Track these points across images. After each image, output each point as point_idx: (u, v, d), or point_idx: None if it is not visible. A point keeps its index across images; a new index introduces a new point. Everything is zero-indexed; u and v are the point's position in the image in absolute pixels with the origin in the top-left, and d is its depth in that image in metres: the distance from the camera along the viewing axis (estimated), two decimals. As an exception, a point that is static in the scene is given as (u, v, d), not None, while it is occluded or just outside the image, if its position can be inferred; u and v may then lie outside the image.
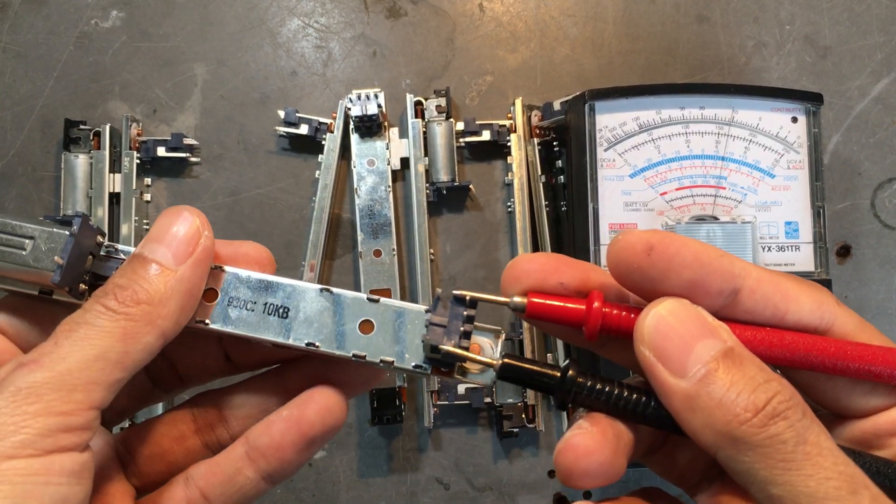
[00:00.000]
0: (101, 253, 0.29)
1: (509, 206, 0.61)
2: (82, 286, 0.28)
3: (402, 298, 0.60)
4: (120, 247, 0.29)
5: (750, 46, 0.63)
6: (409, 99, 0.60)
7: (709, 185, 0.54)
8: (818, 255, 0.54)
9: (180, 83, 0.62)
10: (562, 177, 0.59)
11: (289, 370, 0.31)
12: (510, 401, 0.59)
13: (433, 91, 0.61)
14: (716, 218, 0.54)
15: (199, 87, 0.62)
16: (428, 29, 0.63)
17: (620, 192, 0.53)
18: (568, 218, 0.57)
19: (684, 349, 0.24)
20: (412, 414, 0.61)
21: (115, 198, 0.59)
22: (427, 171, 0.60)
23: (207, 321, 0.29)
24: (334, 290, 0.29)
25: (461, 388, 0.59)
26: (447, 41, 0.63)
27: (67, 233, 0.27)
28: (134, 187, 0.59)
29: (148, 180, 0.61)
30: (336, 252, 0.62)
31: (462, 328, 0.28)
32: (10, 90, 0.61)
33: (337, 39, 0.63)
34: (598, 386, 0.26)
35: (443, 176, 0.60)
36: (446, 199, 0.62)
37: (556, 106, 0.58)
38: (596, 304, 0.26)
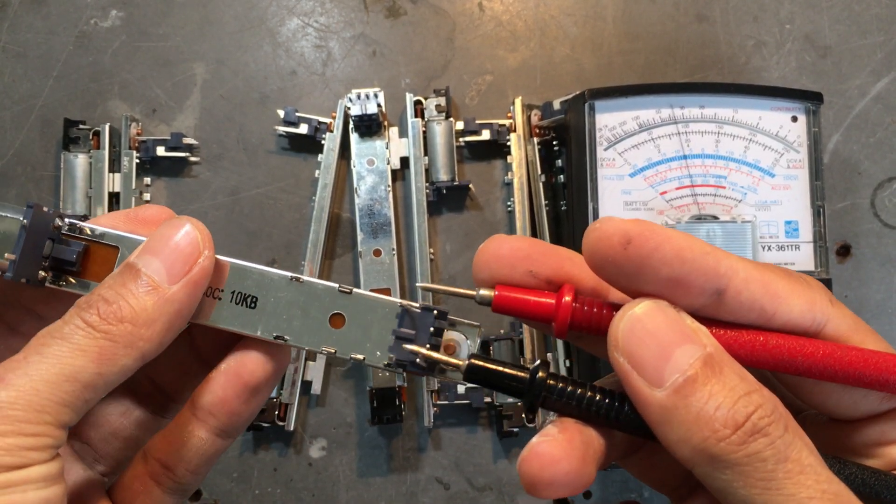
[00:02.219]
0: (64, 231, 0.27)
1: (509, 206, 0.61)
2: (42, 273, 0.27)
3: (402, 298, 0.59)
4: (87, 225, 0.28)
5: (750, 46, 0.63)
6: (409, 98, 0.60)
7: (709, 185, 0.54)
8: (818, 255, 0.54)
9: (180, 83, 0.62)
10: (561, 176, 0.59)
11: (195, 333, 0.31)
12: (510, 400, 0.59)
13: (433, 90, 0.61)
14: (716, 217, 0.53)
15: (198, 86, 0.62)
16: (427, 28, 0.63)
17: (620, 192, 0.53)
18: (568, 217, 0.57)
19: (661, 356, 0.22)
20: (412, 413, 0.61)
21: (114, 197, 0.59)
22: (427, 171, 0.60)
23: None
24: (304, 278, 0.28)
25: (461, 388, 0.59)
26: (447, 40, 0.63)
27: (20, 223, 0.26)
28: (133, 187, 0.59)
29: (147, 180, 0.61)
30: (336, 252, 0.62)
31: (431, 340, 0.27)
32: (10, 90, 0.61)
33: (336, 39, 0.63)
34: (570, 389, 0.25)
35: (442, 175, 0.60)
36: (446, 199, 0.62)
37: (556, 105, 0.58)
38: (566, 300, 0.24)
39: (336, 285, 0.28)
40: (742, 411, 0.21)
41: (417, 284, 0.28)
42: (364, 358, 0.28)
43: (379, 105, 0.58)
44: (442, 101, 0.60)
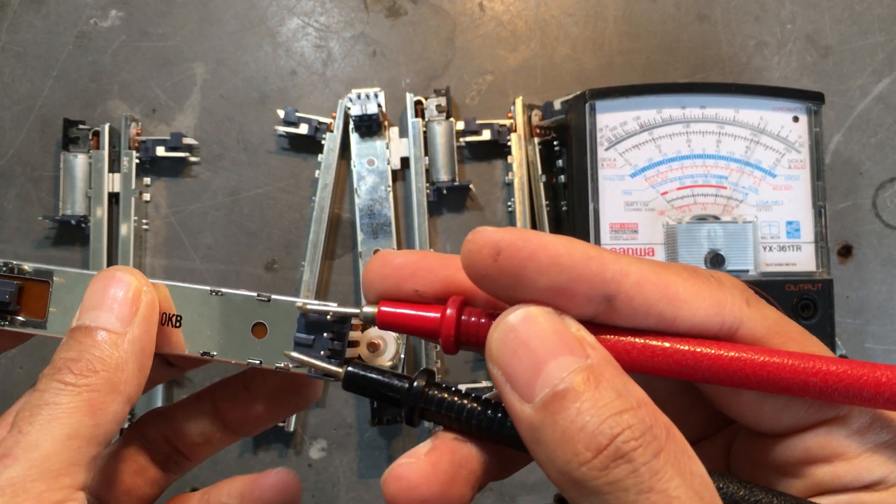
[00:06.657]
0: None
1: (510, 206, 0.61)
2: None
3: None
4: (19, 263, 0.28)
5: (751, 45, 0.63)
6: (409, 98, 0.60)
7: (710, 185, 0.54)
8: (819, 255, 0.54)
9: (179, 83, 0.61)
10: (562, 176, 0.59)
11: (218, 389, 0.31)
12: (510, 401, 0.59)
13: (433, 90, 0.61)
14: (717, 217, 0.53)
15: (198, 86, 0.61)
16: (428, 28, 0.63)
17: (621, 192, 0.53)
18: (568, 218, 0.57)
19: (533, 368, 0.20)
20: (412, 414, 0.60)
21: (114, 198, 0.59)
22: (427, 171, 0.60)
23: None
24: (224, 290, 0.28)
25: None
26: (447, 40, 0.63)
27: None
28: (133, 187, 0.59)
29: (147, 180, 0.61)
30: (336, 252, 0.61)
31: (329, 347, 0.26)
32: (9, 90, 0.61)
33: (337, 39, 0.62)
34: (450, 400, 0.23)
35: (443, 175, 0.60)
36: (446, 199, 0.62)
37: (557, 105, 0.58)
38: (448, 313, 0.23)
39: (255, 294, 0.28)
40: (607, 433, 0.19)
41: (296, 303, 0.27)
42: (288, 366, 0.27)
43: (379, 105, 0.58)
44: (442, 101, 0.60)
